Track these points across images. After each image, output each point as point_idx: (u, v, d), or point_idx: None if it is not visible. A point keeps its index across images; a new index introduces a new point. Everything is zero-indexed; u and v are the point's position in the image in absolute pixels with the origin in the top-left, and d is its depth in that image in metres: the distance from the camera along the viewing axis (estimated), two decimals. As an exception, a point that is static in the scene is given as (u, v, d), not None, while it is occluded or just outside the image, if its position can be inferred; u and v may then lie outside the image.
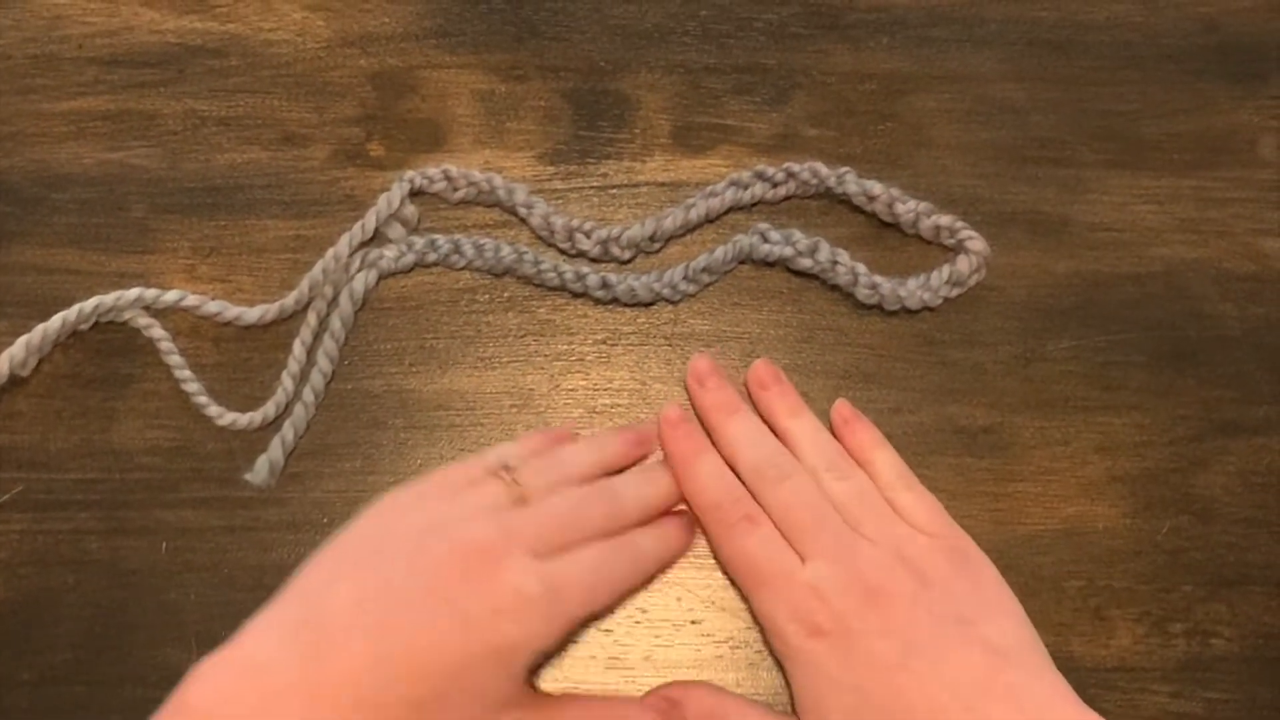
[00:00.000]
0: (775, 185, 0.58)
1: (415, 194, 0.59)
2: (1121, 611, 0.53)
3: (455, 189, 0.59)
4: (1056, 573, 0.53)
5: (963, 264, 0.56)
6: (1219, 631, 0.53)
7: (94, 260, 0.58)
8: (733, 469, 0.52)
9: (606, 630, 0.52)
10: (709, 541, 0.53)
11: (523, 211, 0.58)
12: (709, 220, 0.59)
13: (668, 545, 0.53)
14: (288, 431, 0.55)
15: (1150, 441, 0.55)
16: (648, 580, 0.53)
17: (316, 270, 0.56)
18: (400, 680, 0.44)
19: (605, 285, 0.57)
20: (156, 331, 0.56)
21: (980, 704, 0.45)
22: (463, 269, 0.58)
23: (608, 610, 0.52)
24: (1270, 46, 0.62)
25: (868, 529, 0.50)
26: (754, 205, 0.59)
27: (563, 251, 0.58)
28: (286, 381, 0.56)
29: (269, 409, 0.55)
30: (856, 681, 0.47)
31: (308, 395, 0.55)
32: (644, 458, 0.54)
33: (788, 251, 0.57)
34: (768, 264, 0.58)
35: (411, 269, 0.58)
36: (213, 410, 0.55)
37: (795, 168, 0.58)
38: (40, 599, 0.53)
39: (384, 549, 0.47)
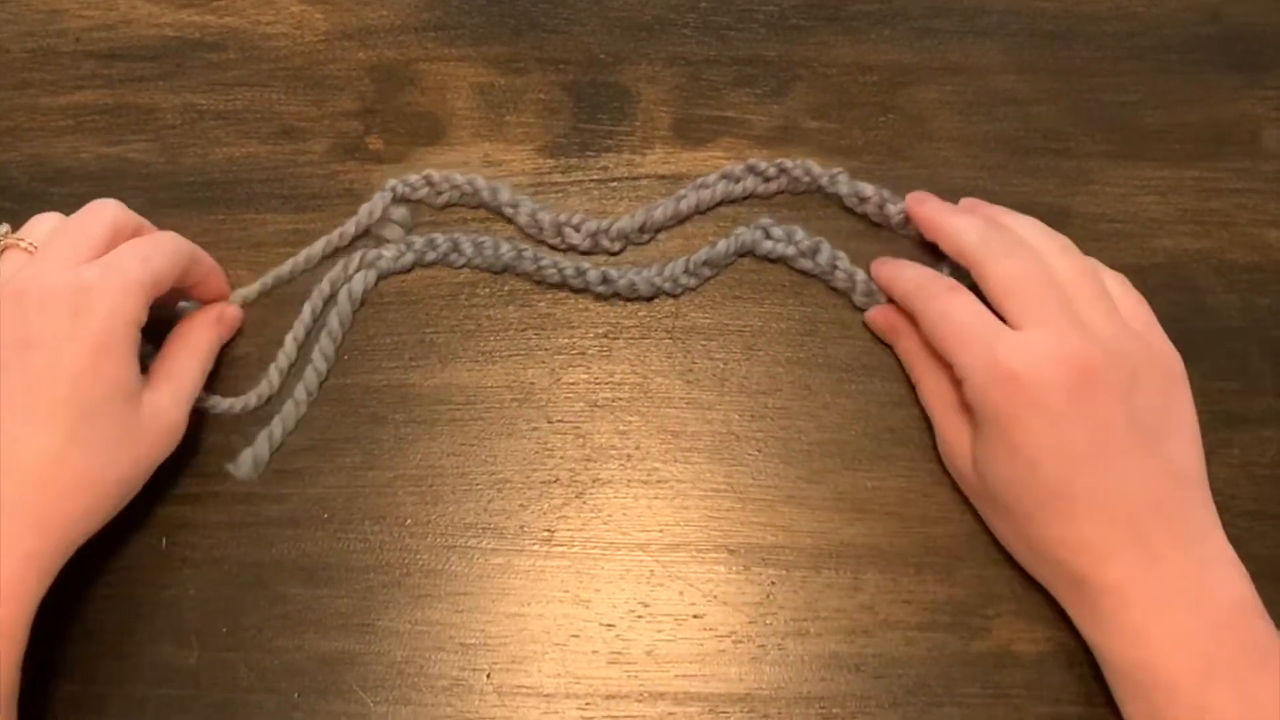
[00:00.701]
0: (767, 180, 0.58)
1: (400, 200, 0.58)
2: (1125, 604, 0.53)
3: (439, 193, 0.58)
4: (1060, 565, 0.53)
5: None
6: (1223, 624, 0.52)
7: (92, 255, 0.57)
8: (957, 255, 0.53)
9: (608, 625, 0.52)
10: (919, 321, 0.52)
11: (509, 211, 0.58)
12: (699, 212, 0.58)
13: (200, 254, 0.54)
14: (275, 427, 0.55)
15: (1154, 433, 0.55)
16: (201, 281, 0.54)
17: (285, 268, 0.56)
18: (36, 429, 0.47)
19: (606, 280, 0.57)
20: None
21: (1142, 519, 0.46)
22: (462, 267, 0.57)
23: (169, 278, 0.52)
24: (1273, 36, 0.62)
25: (1085, 309, 0.49)
26: (745, 199, 0.59)
27: (553, 247, 0.58)
28: (272, 373, 0.56)
29: (250, 399, 0.55)
30: (1035, 457, 0.47)
31: (300, 392, 0.55)
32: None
33: (789, 251, 0.57)
34: (769, 260, 0.57)
35: (411, 269, 0.58)
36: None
37: (788, 164, 0.58)
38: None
39: None
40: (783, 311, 0.57)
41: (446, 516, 0.54)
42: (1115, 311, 0.50)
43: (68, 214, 0.57)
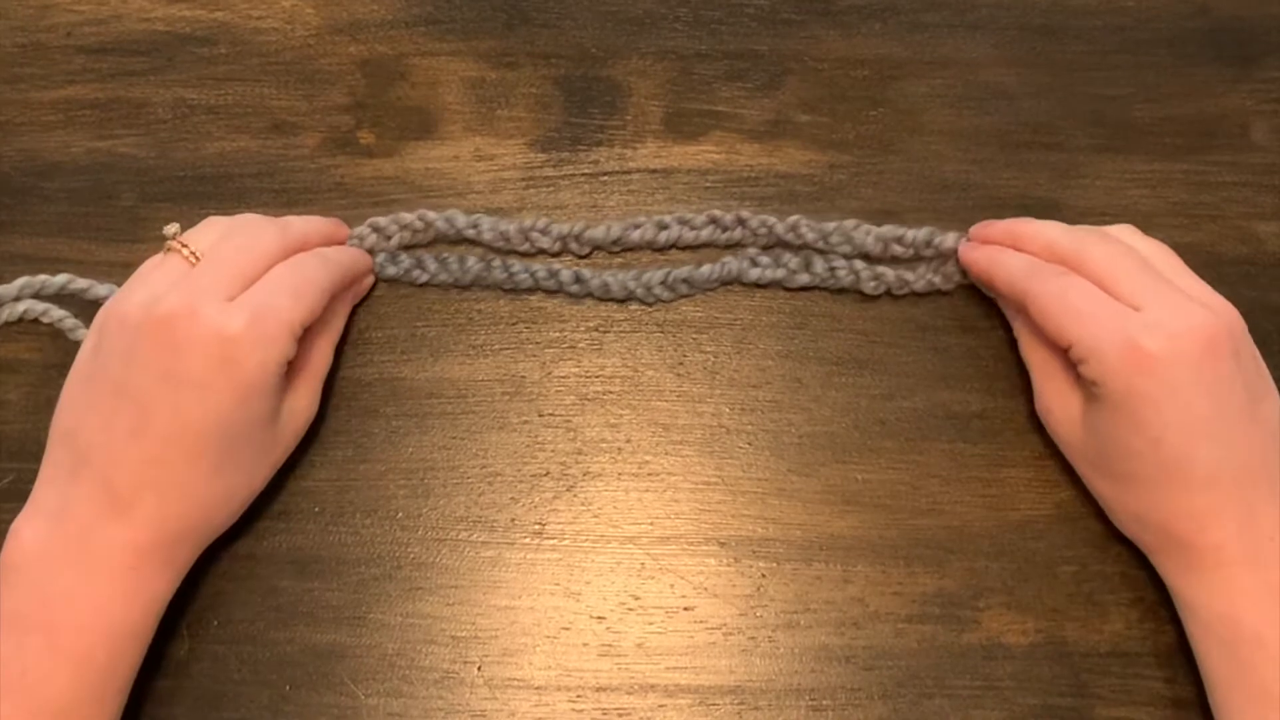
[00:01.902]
0: (724, 230, 0.58)
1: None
2: (1115, 596, 0.53)
3: (387, 237, 0.57)
4: (1049, 558, 0.53)
5: (953, 265, 0.56)
6: (1213, 616, 0.53)
7: (84, 249, 0.58)
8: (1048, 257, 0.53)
9: (599, 617, 0.52)
10: (1030, 309, 0.51)
11: (470, 233, 0.57)
12: (676, 246, 0.58)
13: (349, 253, 0.55)
14: None
15: (1143, 426, 0.55)
16: (347, 284, 0.55)
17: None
18: (182, 461, 0.47)
19: (579, 280, 0.57)
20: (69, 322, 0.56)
21: (1249, 482, 0.47)
22: (425, 284, 0.57)
23: (319, 310, 0.51)
24: (1262, 30, 0.62)
25: (1182, 289, 0.50)
26: (701, 247, 0.58)
27: (523, 254, 0.58)
28: None
29: None
30: (1160, 433, 0.47)
31: None
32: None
33: (780, 274, 0.57)
34: (759, 286, 0.58)
35: (373, 287, 0.58)
36: None
37: (745, 215, 0.57)
38: (31, 589, 0.53)
39: (105, 367, 0.49)
40: (773, 305, 0.57)
41: (437, 510, 0.54)
42: (1199, 281, 0.51)
43: (58, 207, 0.58)
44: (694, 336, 0.56)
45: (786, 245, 0.57)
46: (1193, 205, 0.58)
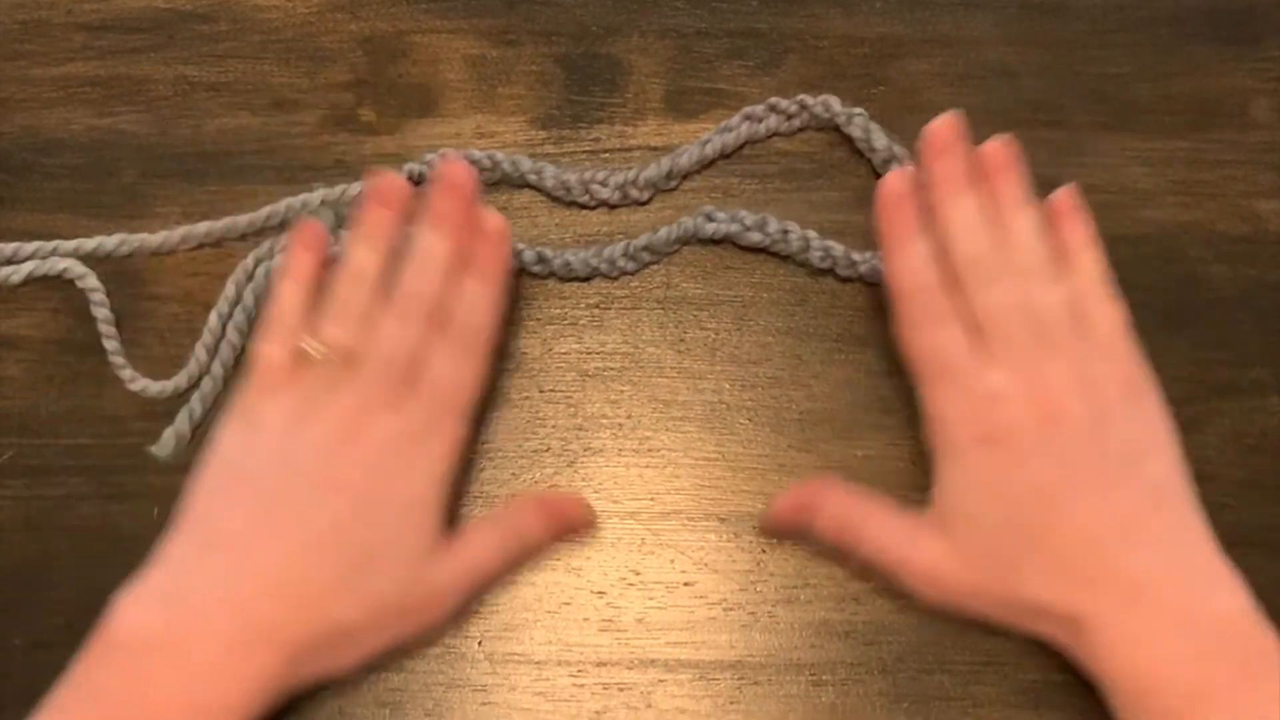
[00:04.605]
0: (789, 118, 0.59)
1: (417, 182, 0.58)
2: (1114, 572, 0.53)
3: None
4: (1049, 534, 0.53)
5: None
6: (1212, 592, 0.53)
7: (85, 226, 0.58)
8: (947, 249, 0.51)
9: (599, 593, 0.52)
10: (899, 322, 0.51)
11: (533, 179, 0.58)
12: (724, 155, 0.59)
13: (487, 284, 0.52)
14: (195, 405, 0.55)
15: (1143, 403, 0.55)
16: (497, 318, 0.53)
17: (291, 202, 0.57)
18: (326, 568, 0.46)
19: (541, 260, 0.57)
20: (90, 282, 0.56)
21: (1128, 540, 0.46)
22: None
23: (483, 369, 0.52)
24: (1263, 9, 0.62)
25: (1058, 344, 0.49)
26: (768, 138, 0.59)
27: (582, 205, 0.58)
28: (200, 353, 0.55)
29: (180, 380, 0.55)
30: (1014, 497, 0.47)
31: (216, 369, 0.55)
32: (401, 209, 0.52)
33: (734, 228, 0.57)
34: (714, 241, 0.58)
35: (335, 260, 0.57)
36: (126, 374, 0.55)
37: (809, 100, 0.58)
38: (32, 564, 0.53)
39: (255, 466, 0.48)
40: (774, 281, 0.57)
41: (438, 485, 0.54)
42: (1084, 336, 0.50)
43: (59, 183, 0.57)
44: (695, 313, 0.57)
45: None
46: (1193, 183, 0.58)
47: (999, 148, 0.53)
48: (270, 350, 0.50)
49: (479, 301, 0.52)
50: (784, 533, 0.52)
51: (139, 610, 0.45)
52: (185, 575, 0.46)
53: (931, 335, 0.50)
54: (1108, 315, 0.51)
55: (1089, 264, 0.52)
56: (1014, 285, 0.50)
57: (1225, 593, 0.46)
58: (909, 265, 0.51)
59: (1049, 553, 0.47)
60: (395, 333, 0.50)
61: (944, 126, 0.53)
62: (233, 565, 0.46)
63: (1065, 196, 0.53)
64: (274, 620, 0.45)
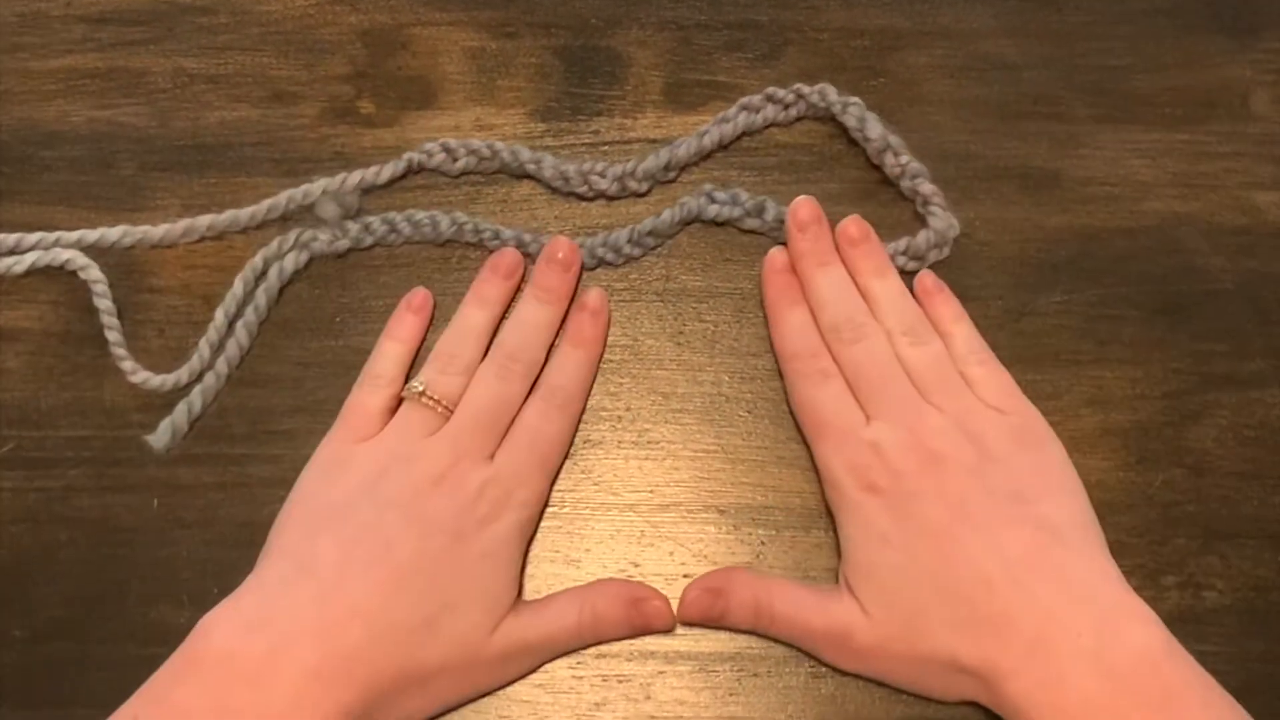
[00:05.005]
0: (786, 107, 0.59)
1: (416, 171, 0.58)
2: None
3: (455, 160, 0.58)
4: (1049, 525, 0.53)
5: (922, 238, 0.56)
6: (1211, 584, 0.53)
7: (84, 218, 0.57)
8: (818, 315, 0.54)
9: (599, 584, 0.52)
10: (785, 387, 0.54)
11: (531, 168, 0.58)
12: (722, 147, 0.59)
13: (582, 351, 0.55)
14: (195, 399, 0.55)
15: (1142, 395, 0.55)
16: (590, 383, 0.55)
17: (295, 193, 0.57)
18: (405, 602, 0.47)
19: None
20: (93, 274, 0.56)
21: (1027, 579, 0.46)
22: (401, 245, 0.57)
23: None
24: (1262, 0, 0.61)
25: (936, 397, 0.51)
26: (765, 129, 0.59)
27: (580, 197, 0.58)
28: (203, 348, 0.55)
29: (182, 373, 0.55)
30: (906, 541, 0.48)
31: (221, 365, 0.55)
32: (520, 280, 0.56)
33: (735, 211, 0.57)
34: (715, 224, 0.58)
35: (346, 253, 0.57)
36: (127, 365, 0.55)
37: (805, 89, 0.58)
38: (32, 556, 0.53)
39: (346, 498, 0.49)
40: (773, 274, 0.57)
41: (438, 477, 0.54)
42: (963, 390, 0.52)
43: (58, 176, 0.57)
44: (694, 305, 0.57)
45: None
46: (1192, 175, 0.58)
47: (853, 224, 0.55)
48: (365, 398, 0.53)
49: (574, 367, 0.54)
50: (699, 623, 0.51)
51: (226, 631, 0.46)
52: (275, 600, 0.47)
53: (813, 394, 0.52)
54: (994, 376, 0.53)
55: (963, 333, 0.54)
56: (883, 342, 0.52)
57: (1138, 627, 0.46)
58: (790, 331, 0.54)
59: (949, 597, 0.47)
60: (493, 387, 0.52)
61: (804, 208, 0.55)
62: (322, 592, 0.47)
63: (927, 278, 0.55)
64: (358, 651, 0.46)
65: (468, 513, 0.49)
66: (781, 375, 0.54)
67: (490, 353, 0.53)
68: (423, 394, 0.52)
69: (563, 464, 0.54)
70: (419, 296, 0.56)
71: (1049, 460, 0.51)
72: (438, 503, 0.49)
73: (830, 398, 0.52)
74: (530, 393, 0.53)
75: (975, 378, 0.52)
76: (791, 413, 0.54)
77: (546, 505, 0.53)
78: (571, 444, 0.54)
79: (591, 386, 0.55)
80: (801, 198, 0.56)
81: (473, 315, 0.54)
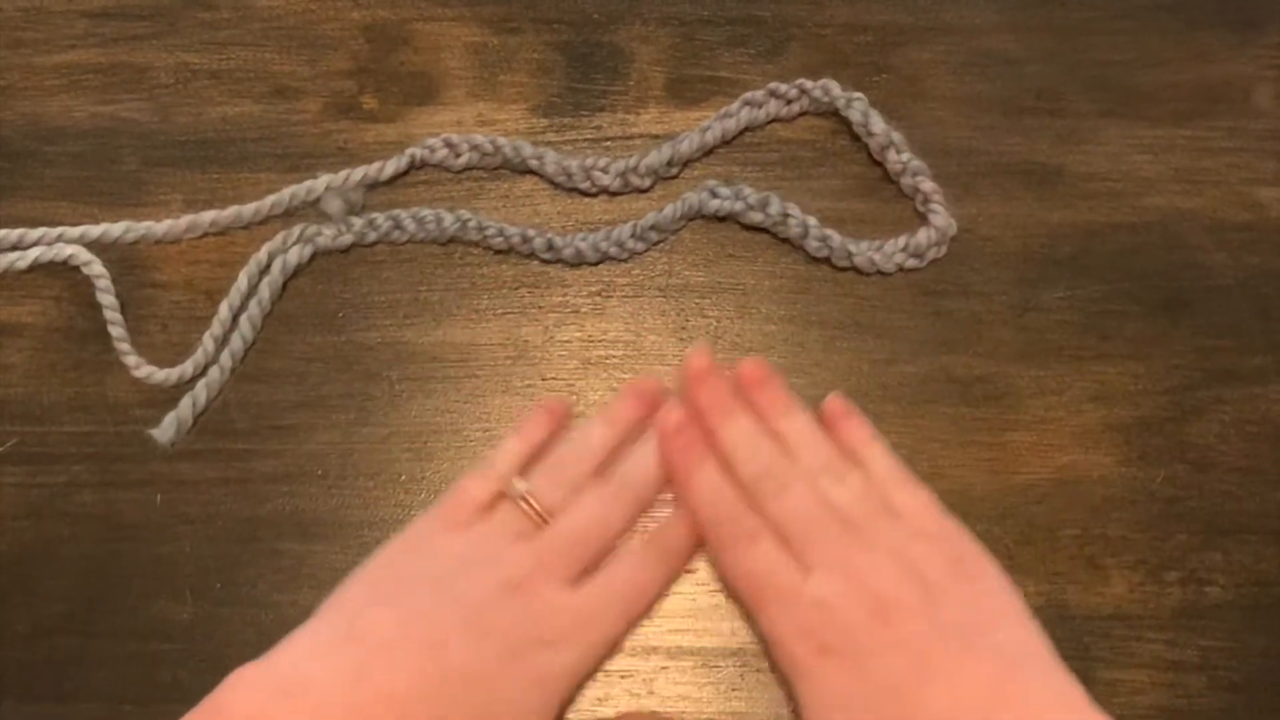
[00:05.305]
0: (789, 102, 0.59)
1: (419, 167, 0.58)
2: (1116, 560, 0.53)
3: (457, 155, 0.58)
4: (1051, 521, 0.53)
5: (922, 236, 0.56)
6: (1214, 579, 0.53)
7: (87, 213, 0.58)
8: (733, 475, 0.51)
9: (602, 580, 0.52)
10: (710, 549, 0.51)
11: (534, 164, 0.58)
12: (725, 142, 0.59)
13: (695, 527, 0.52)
14: (200, 393, 0.55)
15: (1145, 390, 0.55)
16: (698, 546, 0.52)
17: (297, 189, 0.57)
18: (443, 703, 0.45)
19: (551, 247, 0.57)
20: (97, 269, 0.56)
21: (993, 715, 0.45)
22: (405, 243, 0.57)
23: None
24: (1266, -5, 0.62)
25: (868, 534, 0.49)
26: (768, 124, 0.59)
27: (583, 192, 0.58)
28: (207, 342, 0.55)
29: (186, 368, 0.55)
30: (869, 703, 0.46)
31: (225, 359, 0.55)
32: (652, 411, 0.53)
33: (738, 206, 0.57)
34: (718, 218, 0.58)
35: (349, 248, 0.57)
36: (131, 360, 0.55)
37: (808, 84, 0.58)
38: (35, 552, 0.53)
39: (418, 578, 0.48)
40: (776, 269, 0.57)
41: (441, 473, 0.54)
42: (893, 522, 0.50)
43: (60, 171, 0.57)
44: (697, 301, 0.57)
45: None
46: (1195, 171, 0.58)
47: (752, 365, 0.54)
48: (472, 486, 0.51)
49: (688, 528, 0.51)
50: None
51: (254, 692, 0.45)
52: (312, 666, 0.45)
53: (744, 557, 0.49)
54: (916, 498, 0.51)
55: (879, 456, 0.52)
56: (806, 487, 0.50)
57: None
58: (704, 496, 0.51)
59: None
60: (595, 510, 0.50)
61: (696, 358, 0.53)
62: (363, 668, 0.45)
63: (834, 403, 0.54)
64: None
65: (530, 633, 0.47)
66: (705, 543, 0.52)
67: (607, 474, 0.52)
68: (523, 498, 0.50)
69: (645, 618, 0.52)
70: (559, 404, 0.54)
71: (988, 586, 0.49)
72: (504, 612, 0.47)
73: (764, 559, 0.49)
74: (633, 531, 0.51)
75: (900, 505, 0.50)
76: (722, 580, 0.52)
77: (615, 654, 0.51)
78: (660, 600, 0.52)
79: (695, 554, 0.52)
80: (691, 349, 0.54)
81: (597, 432, 0.52)
